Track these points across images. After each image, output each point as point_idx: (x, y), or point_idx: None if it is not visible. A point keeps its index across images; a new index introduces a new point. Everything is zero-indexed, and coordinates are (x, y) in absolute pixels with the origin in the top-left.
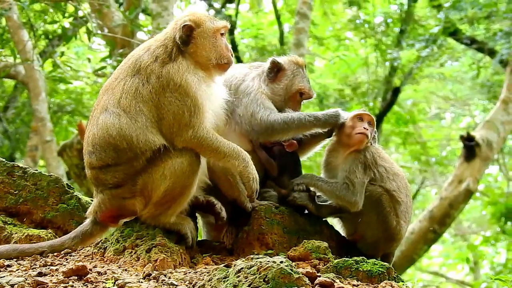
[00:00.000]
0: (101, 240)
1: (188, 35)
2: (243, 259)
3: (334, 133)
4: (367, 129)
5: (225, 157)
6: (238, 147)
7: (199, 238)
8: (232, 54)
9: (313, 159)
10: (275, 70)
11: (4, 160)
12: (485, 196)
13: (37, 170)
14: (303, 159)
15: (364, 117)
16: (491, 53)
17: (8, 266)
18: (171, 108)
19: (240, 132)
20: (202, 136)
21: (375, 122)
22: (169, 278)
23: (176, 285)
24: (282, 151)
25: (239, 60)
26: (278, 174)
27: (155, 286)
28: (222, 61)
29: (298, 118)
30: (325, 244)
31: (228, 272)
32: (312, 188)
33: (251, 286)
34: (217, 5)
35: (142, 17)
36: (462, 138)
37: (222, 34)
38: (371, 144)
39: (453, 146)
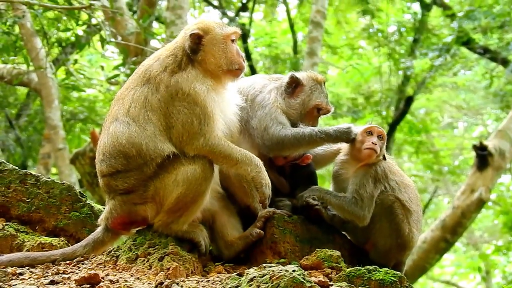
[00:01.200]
0: (113, 248)
1: (197, 43)
2: (256, 268)
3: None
4: (376, 144)
5: (237, 163)
6: (250, 153)
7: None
8: (244, 60)
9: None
10: (293, 85)
11: (16, 168)
12: (497, 205)
13: (49, 178)
14: (321, 171)
15: (373, 131)
16: (504, 62)
17: (20, 274)
18: (179, 117)
19: (252, 144)
20: (214, 144)
21: (386, 135)
22: (182, 286)
23: None
24: (295, 166)
25: (252, 68)
26: (292, 188)
27: None
28: (233, 67)
29: (309, 134)
30: (338, 253)
31: (240, 280)
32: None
33: None
34: (230, 13)
35: (155, 25)
36: (474, 147)
37: (233, 41)
38: (384, 158)
39: (466, 155)
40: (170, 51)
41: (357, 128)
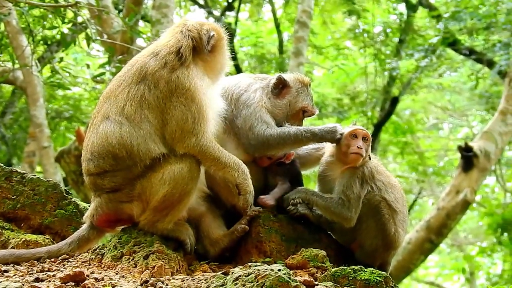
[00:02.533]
0: (98, 246)
1: (213, 44)
2: (241, 267)
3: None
4: (362, 148)
5: (225, 167)
6: (238, 159)
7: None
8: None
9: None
10: (280, 87)
11: (2, 165)
12: (482, 207)
13: (35, 175)
14: (305, 172)
15: (358, 134)
16: (490, 64)
17: (5, 271)
18: (175, 113)
19: (238, 143)
20: (204, 145)
21: (370, 137)
22: (167, 285)
23: None
24: (280, 164)
25: (238, 68)
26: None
27: None
28: (227, 70)
29: (294, 134)
30: (323, 252)
31: (225, 279)
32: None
33: None
34: (216, 13)
35: (141, 23)
36: (460, 148)
37: None
38: (369, 159)
39: (451, 156)
40: (171, 47)
41: (343, 129)
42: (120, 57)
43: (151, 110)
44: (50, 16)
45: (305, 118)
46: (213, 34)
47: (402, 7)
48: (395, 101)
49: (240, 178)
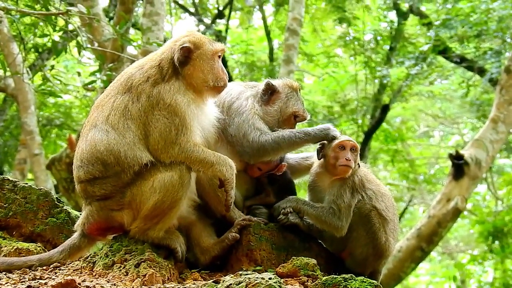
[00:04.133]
0: (90, 254)
1: (186, 57)
2: (232, 275)
3: (320, 157)
4: (350, 160)
5: (212, 165)
6: (223, 155)
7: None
8: (227, 77)
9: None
10: (269, 93)
11: None
12: (473, 214)
13: (27, 183)
14: (295, 181)
15: (346, 145)
16: (481, 71)
17: None
18: (158, 125)
19: (232, 151)
20: (188, 150)
21: (358, 146)
22: None
23: None
24: (272, 176)
25: (228, 75)
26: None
27: None
28: (219, 84)
29: (288, 136)
30: (314, 261)
31: (216, 287)
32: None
33: None
34: (207, 20)
35: (132, 31)
36: (450, 156)
37: (219, 57)
38: (358, 167)
39: (442, 164)
40: (155, 61)
41: (335, 130)
42: (111, 65)
43: (133, 121)
44: (41, 24)
45: (297, 124)
46: (183, 46)
47: (392, 15)
48: (385, 108)
49: (228, 173)
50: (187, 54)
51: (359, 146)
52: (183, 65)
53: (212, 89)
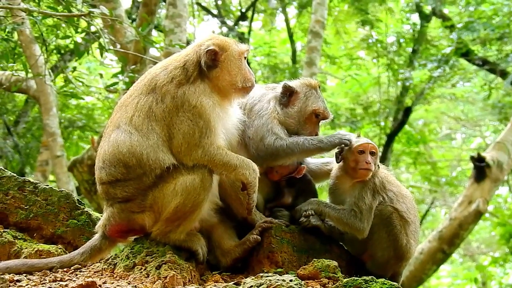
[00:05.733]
0: (111, 256)
1: (213, 59)
2: (253, 277)
3: (339, 160)
4: (370, 163)
5: (236, 169)
6: (247, 159)
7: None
8: (254, 77)
9: None
10: (288, 94)
11: (15, 175)
12: (495, 217)
13: (48, 185)
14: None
15: (365, 148)
16: (503, 74)
17: (18, 281)
18: (182, 127)
19: (247, 154)
20: (212, 153)
21: (377, 149)
22: None
23: None
24: (292, 179)
25: None
26: (295, 200)
27: None
28: (247, 84)
29: (302, 143)
30: (335, 263)
31: None
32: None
33: None
34: (230, 22)
35: (154, 33)
36: (472, 159)
37: (244, 58)
38: (378, 168)
39: (464, 166)
40: (180, 62)
41: (349, 134)
42: (133, 66)
43: (157, 122)
44: (63, 25)
45: (320, 122)
46: (209, 50)
47: (415, 17)
48: (408, 111)
49: (251, 177)
50: (214, 57)
51: (378, 149)
52: (211, 68)
53: (240, 90)
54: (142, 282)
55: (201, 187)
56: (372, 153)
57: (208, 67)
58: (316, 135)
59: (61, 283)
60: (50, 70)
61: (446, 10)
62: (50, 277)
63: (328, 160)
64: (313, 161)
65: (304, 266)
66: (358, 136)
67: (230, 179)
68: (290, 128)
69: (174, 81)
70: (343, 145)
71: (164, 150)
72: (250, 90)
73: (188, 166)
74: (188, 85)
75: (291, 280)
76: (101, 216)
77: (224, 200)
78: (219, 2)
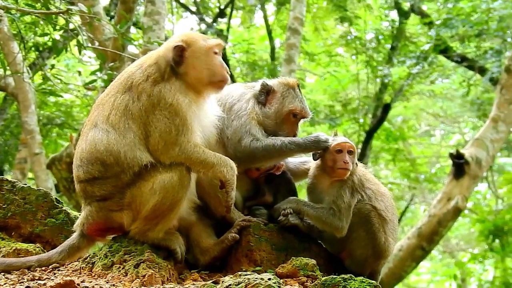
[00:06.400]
0: (89, 255)
1: (180, 56)
2: (231, 276)
3: (316, 158)
4: (348, 162)
5: (213, 166)
6: (224, 156)
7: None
8: (227, 72)
9: None
10: (265, 93)
11: None
12: (474, 213)
13: (26, 184)
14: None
15: (343, 148)
16: (482, 71)
17: None
18: (158, 125)
19: (227, 154)
20: (189, 151)
21: (355, 148)
22: None
23: None
24: (270, 176)
25: (230, 75)
26: (273, 198)
27: None
28: (215, 79)
29: (279, 146)
30: (313, 261)
31: None
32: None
33: None
34: (208, 19)
35: (133, 30)
36: (451, 155)
37: (216, 53)
38: (356, 165)
39: (443, 163)
40: (153, 60)
41: (327, 137)
42: (111, 64)
43: (134, 121)
44: (42, 22)
45: (299, 121)
46: (176, 46)
47: (394, 14)
48: (387, 108)
49: (229, 174)
50: (181, 53)
51: (355, 147)
52: (179, 64)
53: (209, 86)
54: (121, 281)
55: (179, 185)
56: (350, 152)
57: (176, 63)
58: (295, 135)
59: (39, 282)
60: (28, 68)
61: (424, 7)
62: (28, 276)
63: (306, 159)
64: (292, 160)
65: (283, 265)
66: (336, 134)
67: (208, 177)
68: (269, 129)
69: (150, 79)
70: (320, 149)
71: (141, 149)
72: (222, 84)
73: (166, 164)
74: (163, 83)
75: (269, 279)
76: (79, 214)
77: (203, 198)
78: None
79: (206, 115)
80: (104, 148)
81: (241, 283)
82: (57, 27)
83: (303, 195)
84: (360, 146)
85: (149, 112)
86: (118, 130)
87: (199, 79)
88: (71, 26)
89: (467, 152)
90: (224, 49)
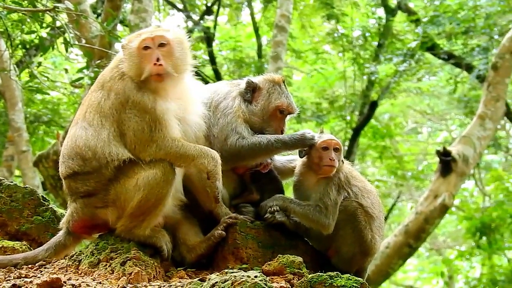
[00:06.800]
0: (76, 253)
1: (124, 54)
2: (218, 273)
3: (302, 155)
4: (334, 160)
5: (194, 159)
6: (205, 147)
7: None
8: (157, 62)
9: None
10: (251, 90)
11: None
12: (461, 211)
13: (12, 182)
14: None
15: (329, 145)
16: (469, 68)
17: None
18: (131, 124)
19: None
20: (167, 146)
21: (341, 145)
22: None
23: None
24: (257, 174)
25: (217, 72)
26: (260, 196)
27: None
28: (145, 75)
29: (265, 144)
30: (300, 259)
31: (202, 286)
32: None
33: None
34: (195, 16)
35: (120, 28)
36: (438, 153)
37: (146, 47)
38: (343, 163)
39: (430, 160)
40: (118, 59)
41: (313, 134)
42: (98, 61)
43: (106, 118)
44: (29, 20)
45: (286, 117)
46: (121, 44)
47: (381, 12)
48: (373, 105)
49: (211, 165)
50: (124, 51)
51: (342, 144)
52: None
53: (146, 81)
54: (107, 279)
55: (164, 180)
56: (336, 149)
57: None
58: (282, 131)
59: (25, 279)
60: (15, 65)
61: (411, 4)
62: (15, 274)
63: (293, 158)
64: (278, 158)
65: (269, 262)
66: (321, 132)
67: (192, 170)
68: (255, 126)
69: (116, 78)
70: (307, 146)
71: (116, 145)
72: (156, 77)
73: (147, 161)
74: (125, 82)
75: (256, 276)
76: (66, 212)
77: (191, 193)
78: None
79: (183, 107)
80: (83, 143)
81: (228, 280)
82: (44, 25)
83: (289, 193)
84: (347, 143)
85: (120, 110)
86: (93, 127)
87: (133, 76)
88: (58, 23)
89: (454, 149)
90: (211, 46)
